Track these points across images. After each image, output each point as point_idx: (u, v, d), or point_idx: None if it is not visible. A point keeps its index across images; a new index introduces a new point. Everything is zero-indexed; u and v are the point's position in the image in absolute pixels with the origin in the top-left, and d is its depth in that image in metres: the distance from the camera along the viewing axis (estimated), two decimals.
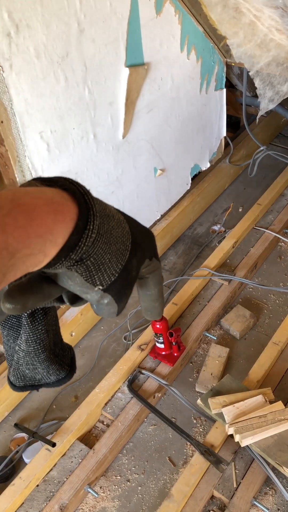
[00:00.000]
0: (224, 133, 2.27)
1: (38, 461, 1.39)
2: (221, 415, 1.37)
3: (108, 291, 0.45)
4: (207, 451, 1.38)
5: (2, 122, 1.26)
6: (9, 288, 0.44)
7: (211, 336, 1.74)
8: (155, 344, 1.62)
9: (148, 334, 1.69)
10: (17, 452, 1.50)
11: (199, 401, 1.43)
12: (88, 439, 1.50)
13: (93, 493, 1.38)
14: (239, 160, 2.40)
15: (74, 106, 1.44)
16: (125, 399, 1.54)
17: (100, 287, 0.45)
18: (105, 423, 1.52)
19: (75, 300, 0.49)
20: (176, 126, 1.93)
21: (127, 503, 1.38)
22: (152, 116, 1.77)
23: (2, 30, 1.16)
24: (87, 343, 1.83)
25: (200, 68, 1.92)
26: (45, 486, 1.38)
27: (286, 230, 2.11)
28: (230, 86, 2.27)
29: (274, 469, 1.32)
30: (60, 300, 0.49)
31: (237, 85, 2.28)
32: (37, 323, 0.50)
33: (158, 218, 2.05)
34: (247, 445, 1.33)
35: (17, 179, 1.37)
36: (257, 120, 2.13)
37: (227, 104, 2.19)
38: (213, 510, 1.32)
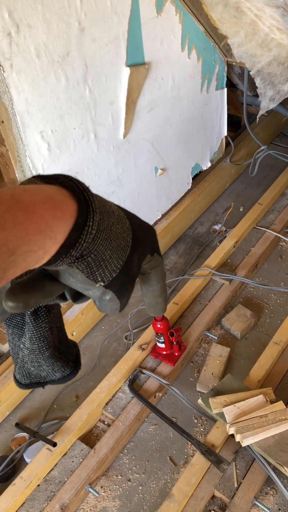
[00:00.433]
0: (225, 133, 2.27)
1: (39, 461, 1.39)
2: (222, 415, 1.37)
3: (110, 287, 0.45)
4: (208, 451, 1.37)
5: (2, 122, 1.26)
6: (10, 286, 0.44)
7: (212, 336, 1.74)
8: (156, 344, 1.62)
9: (149, 333, 1.68)
10: (18, 451, 1.50)
11: (200, 401, 1.43)
12: (89, 438, 1.50)
13: (94, 492, 1.38)
14: (240, 160, 2.40)
15: (74, 106, 1.44)
16: (126, 398, 1.54)
17: (102, 284, 0.45)
18: (106, 422, 1.52)
19: (78, 297, 0.49)
20: (177, 126, 1.92)
21: (128, 502, 1.38)
22: (153, 115, 1.77)
23: (2, 30, 1.16)
24: (88, 342, 1.83)
25: (201, 67, 1.91)
26: (46, 485, 1.38)
27: (287, 230, 2.11)
28: (231, 85, 2.26)
29: (275, 469, 1.31)
30: (63, 297, 0.49)
31: (238, 85, 2.27)
32: (40, 321, 0.51)
33: (159, 217, 2.05)
34: (248, 445, 1.33)
35: (18, 178, 1.37)
36: (257, 119, 2.13)
37: (228, 104, 2.19)
38: (214, 510, 1.32)
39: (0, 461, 1.47)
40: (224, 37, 1.90)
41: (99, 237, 0.43)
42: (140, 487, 1.41)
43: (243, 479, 1.33)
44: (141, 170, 1.83)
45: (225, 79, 2.09)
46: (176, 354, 1.61)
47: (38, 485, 1.38)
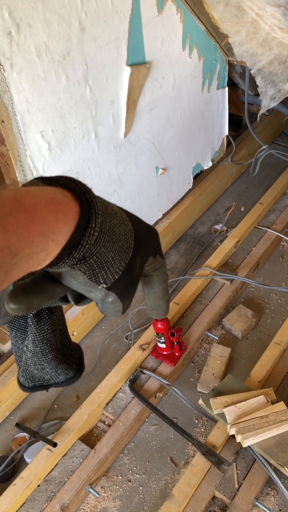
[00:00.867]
0: (226, 132, 2.26)
1: (39, 461, 1.39)
2: (222, 416, 1.37)
3: (112, 289, 0.45)
4: (208, 452, 1.37)
5: (3, 121, 1.26)
6: (13, 289, 0.44)
7: (213, 336, 1.74)
8: (156, 344, 1.62)
9: (149, 333, 1.68)
10: (18, 451, 1.50)
11: (200, 401, 1.43)
12: (90, 439, 1.49)
13: (94, 493, 1.38)
14: (241, 159, 2.39)
15: (75, 105, 1.43)
16: (126, 399, 1.54)
17: (104, 286, 0.44)
18: (106, 423, 1.52)
19: (80, 299, 0.49)
20: (178, 125, 1.92)
21: (128, 503, 1.38)
22: (153, 115, 1.77)
23: (3, 29, 1.16)
24: (88, 342, 1.82)
25: (202, 66, 1.91)
26: (46, 486, 1.37)
27: None
28: (232, 84, 2.26)
29: (275, 470, 1.31)
30: (65, 299, 0.49)
31: (239, 84, 2.27)
32: (43, 323, 0.50)
33: (159, 217, 2.05)
34: (248, 446, 1.33)
35: (18, 178, 1.37)
36: (258, 117, 2.12)
37: (229, 103, 2.18)
38: (214, 511, 1.32)
39: (0, 461, 1.47)
40: (225, 36, 1.89)
41: (101, 239, 0.43)
42: (141, 488, 1.41)
43: (243, 479, 1.33)
44: (142, 170, 1.82)
45: (226, 78, 2.09)
46: (177, 354, 1.61)
47: (38, 485, 1.37)
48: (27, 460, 1.48)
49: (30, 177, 1.39)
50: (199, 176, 2.24)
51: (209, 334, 1.74)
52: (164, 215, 2.07)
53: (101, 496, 1.39)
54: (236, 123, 2.58)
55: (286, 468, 1.26)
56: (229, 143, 2.34)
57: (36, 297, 0.44)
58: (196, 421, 1.54)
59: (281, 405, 1.37)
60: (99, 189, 1.64)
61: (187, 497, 1.30)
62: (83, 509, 1.37)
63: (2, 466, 1.45)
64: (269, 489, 1.34)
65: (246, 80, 2.11)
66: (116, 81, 1.54)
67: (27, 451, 1.50)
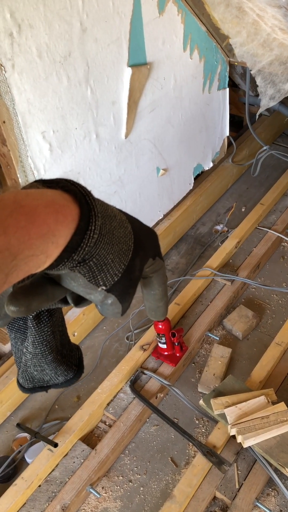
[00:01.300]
0: (227, 133, 2.26)
1: (40, 461, 1.39)
2: (223, 416, 1.37)
3: (112, 291, 0.45)
4: (209, 452, 1.37)
5: (4, 122, 1.26)
6: (12, 291, 0.44)
7: (214, 337, 1.74)
8: (157, 344, 1.62)
9: (150, 334, 1.68)
10: (19, 452, 1.50)
11: (201, 402, 1.43)
12: (90, 439, 1.50)
13: (95, 493, 1.38)
14: (242, 160, 2.39)
15: (76, 106, 1.43)
16: (127, 399, 1.54)
17: (104, 288, 0.45)
18: (107, 423, 1.52)
19: (80, 301, 0.49)
20: (179, 126, 1.92)
21: (129, 503, 1.38)
22: (154, 115, 1.77)
23: (4, 30, 1.16)
24: (89, 343, 1.83)
25: (203, 67, 1.91)
26: (47, 486, 1.37)
27: None
28: (233, 85, 2.26)
29: (276, 470, 1.31)
30: (65, 301, 0.49)
31: (240, 85, 2.27)
32: (42, 325, 0.51)
33: (160, 217, 2.05)
34: (249, 446, 1.33)
35: (20, 179, 1.37)
36: (257, 116, 2.12)
37: (230, 104, 2.18)
38: (215, 511, 1.32)
39: (1, 462, 1.47)
40: (226, 37, 1.89)
41: (101, 241, 0.43)
42: (141, 488, 1.41)
43: (244, 480, 1.33)
44: (143, 170, 1.82)
45: (227, 79, 2.09)
46: (178, 354, 1.61)
47: (39, 486, 1.38)
48: (28, 460, 1.48)
49: (31, 178, 1.39)
50: (200, 177, 2.25)
51: (210, 334, 1.74)
52: (165, 216, 2.08)
53: (102, 497, 1.39)
54: (237, 124, 2.58)
55: (286, 469, 1.26)
56: (230, 144, 2.34)
57: (35, 299, 0.44)
58: (197, 422, 1.54)
59: (281, 406, 1.37)
60: (100, 190, 1.64)
61: (188, 497, 1.30)
62: (84, 509, 1.37)
63: (3, 467, 1.45)
64: (270, 489, 1.34)
65: (247, 81, 2.11)
66: (117, 82, 1.55)
67: (28, 452, 1.50)
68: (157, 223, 2.04)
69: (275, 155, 2.32)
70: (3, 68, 1.20)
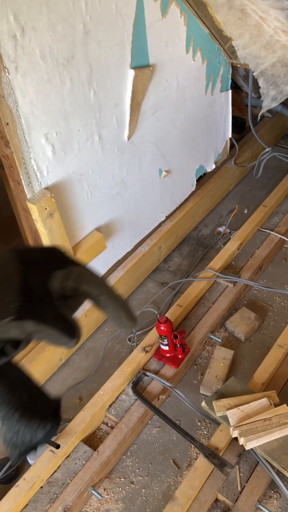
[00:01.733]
0: (230, 135, 2.26)
1: (42, 463, 1.39)
2: (225, 418, 1.37)
3: (22, 317, 0.42)
4: (211, 454, 1.37)
5: (7, 124, 1.27)
6: None
7: (216, 338, 1.74)
8: (159, 346, 1.62)
9: (152, 336, 1.68)
10: None
11: (203, 404, 1.43)
12: (92, 441, 1.50)
13: (97, 495, 1.38)
14: (244, 162, 2.39)
15: (79, 108, 1.44)
16: (129, 401, 1.54)
17: (12, 318, 0.42)
18: (109, 425, 1.52)
19: (15, 345, 0.46)
20: (182, 128, 1.92)
21: (131, 505, 1.38)
22: (157, 117, 1.77)
23: (8, 32, 1.17)
24: (91, 344, 1.83)
25: (206, 69, 1.91)
26: (49, 487, 1.38)
27: None
28: (235, 87, 2.26)
29: (278, 473, 1.31)
30: (2, 353, 0.46)
31: (242, 87, 2.27)
32: None
33: (163, 219, 2.05)
34: (251, 448, 1.33)
35: (23, 181, 1.38)
36: (259, 117, 2.12)
37: (232, 105, 2.18)
38: None
39: (3, 463, 1.47)
40: (229, 39, 1.89)
41: None
42: (143, 490, 1.41)
43: (246, 482, 1.33)
44: (145, 172, 1.83)
45: (230, 81, 2.09)
46: (180, 356, 1.61)
47: (41, 487, 1.38)
48: (30, 461, 1.48)
49: (34, 180, 1.40)
50: (203, 179, 2.25)
51: (212, 336, 1.74)
52: (167, 217, 2.08)
53: (103, 498, 1.39)
54: (239, 126, 2.58)
55: None
56: (232, 146, 2.34)
57: None
58: (199, 424, 1.54)
59: (284, 408, 1.37)
60: (102, 192, 1.64)
61: (190, 499, 1.30)
62: (85, 511, 1.37)
63: (5, 468, 1.45)
64: (272, 492, 1.34)
65: (249, 82, 2.11)
66: (120, 84, 1.55)
67: (30, 453, 1.50)
68: (159, 225, 2.05)
69: (278, 157, 2.32)
70: (6, 70, 1.20)
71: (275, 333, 1.75)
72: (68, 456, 1.43)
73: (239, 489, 1.32)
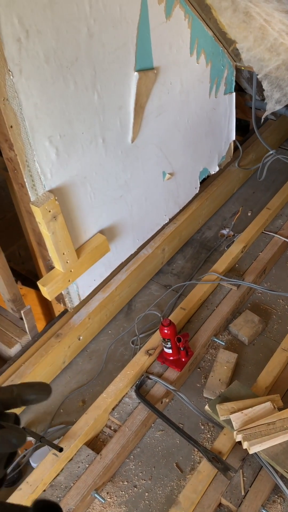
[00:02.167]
0: (233, 137, 2.26)
1: (45, 466, 1.39)
2: (229, 422, 1.36)
3: None
4: (215, 458, 1.37)
5: (11, 126, 1.27)
6: None
7: (219, 342, 1.73)
8: (163, 349, 1.61)
9: (156, 339, 1.68)
10: (24, 456, 1.50)
11: (207, 407, 1.42)
12: (95, 444, 1.49)
13: (100, 498, 1.37)
14: (248, 164, 2.39)
15: (83, 111, 1.44)
16: (132, 404, 1.54)
17: None
18: (112, 428, 1.52)
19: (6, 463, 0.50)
20: (185, 130, 1.92)
21: (134, 509, 1.38)
22: (161, 120, 1.77)
23: (12, 36, 1.17)
24: (94, 347, 1.82)
25: (210, 72, 1.91)
26: (52, 491, 1.37)
27: None
28: (239, 89, 2.26)
29: (282, 477, 1.30)
30: None
31: (246, 89, 2.27)
32: None
33: (166, 221, 2.05)
34: (255, 453, 1.32)
35: (26, 183, 1.38)
36: (262, 119, 2.12)
37: (236, 108, 2.18)
38: None
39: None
40: (233, 42, 1.89)
41: None
42: (146, 494, 1.40)
43: (250, 487, 1.32)
44: (149, 175, 1.83)
45: (234, 83, 2.09)
46: (183, 359, 1.60)
47: (44, 490, 1.37)
48: (33, 465, 1.48)
49: (38, 182, 1.40)
50: (206, 181, 2.24)
51: (215, 339, 1.74)
52: (171, 220, 2.07)
53: (106, 502, 1.39)
54: (243, 128, 2.58)
55: None
56: (236, 148, 2.34)
57: None
58: (202, 427, 1.53)
59: None
60: (106, 194, 1.64)
61: (193, 504, 1.30)
62: None
63: (8, 471, 1.44)
64: (276, 496, 1.33)
65: (253, 85, 2.11)
66: (124, 87, 1.55)
67: (33, 456, 1.50)
68: (163, 227, 2.04)
69: (282, 160, 2.32)
70: (10, 73, 1.20)
71: (279, 336, 1.74)
72: (71, 459, 1.43)
73: (243, 493, 1.31)
